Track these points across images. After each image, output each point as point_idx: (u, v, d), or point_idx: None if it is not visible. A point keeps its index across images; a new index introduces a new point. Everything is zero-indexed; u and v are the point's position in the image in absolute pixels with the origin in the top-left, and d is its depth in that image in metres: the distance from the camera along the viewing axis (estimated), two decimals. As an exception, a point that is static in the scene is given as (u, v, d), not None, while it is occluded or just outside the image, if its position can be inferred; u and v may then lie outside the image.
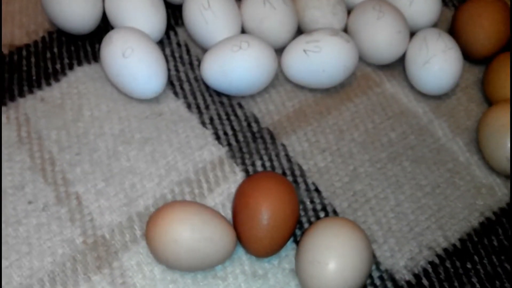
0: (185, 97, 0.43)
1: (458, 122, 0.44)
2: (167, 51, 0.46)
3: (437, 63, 0.42)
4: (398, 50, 0.44)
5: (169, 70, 0.45)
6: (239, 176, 0.39)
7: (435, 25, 0.48)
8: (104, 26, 0.46)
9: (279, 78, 0.45)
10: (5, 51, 0.45)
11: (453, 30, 0.47)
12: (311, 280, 0.33)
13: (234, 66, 0.41)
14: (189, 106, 0.43)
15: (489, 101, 0.44)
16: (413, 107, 0.44)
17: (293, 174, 0.40)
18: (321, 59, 0.42)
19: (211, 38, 0.44)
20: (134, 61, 0.40)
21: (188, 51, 0.46)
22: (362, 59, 0.46)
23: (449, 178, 0.41)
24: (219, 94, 0.44)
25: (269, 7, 0.44)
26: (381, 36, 0.44)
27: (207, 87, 0.44)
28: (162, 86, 0.42)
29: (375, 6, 0.45)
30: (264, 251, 0.35)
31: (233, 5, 0.45)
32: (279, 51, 0.44)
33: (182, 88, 0.44)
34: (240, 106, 0.43)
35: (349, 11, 0.47)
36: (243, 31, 0.45)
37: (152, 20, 0.44)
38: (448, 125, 0.43)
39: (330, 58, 0.42)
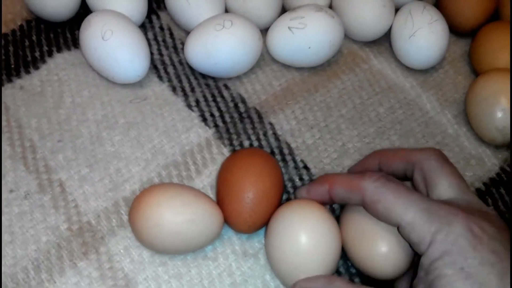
0: (169, 80, 0.42)
1: (446, 95, 0.43)
2: (150, 35, 0.45)
3: (423, 36, 0.42)
4: (384, 25, 0.44)
5: (152, 54, 0.44)
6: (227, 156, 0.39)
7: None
8: (84, 12, 0.45)
9: (265, 58, 0.44)
10: (-19, 41, 0.43)
11: (439, 3, 0.47)
12: (278, 263, 0.32)
13: (218, 46, 0.40)
14: (174, 90, 0.42)
15: (477, 73, 0.44)
16: (400, 82, 0.43)
17: (281, 153, 0.39)
18: (306, 36, 0.41)
19: (194, 19, 0.43)
20: (114, 44, 0.39)
21: (171, 34, 0.45)
22: (348, 37, 0.45)
23: (439, 151, 0.40)
24: (204, 76, 0.43)
25: (252, -14, 0.43)
26: (366, 11, 0.43)
27: (192, 70, 0.43)
28: (145, 70, 0.41)
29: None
30: (247, 225, 0.34)
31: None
32: (264, 31, 0.43)
33: (166, 71, 0.43)
34: (226, 87, 0.42)
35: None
36: (226, 11, 0.45)
37: (132, 2, 0.43)
38: (436, 98, 0.43)
39: (315, 34, 0.41)
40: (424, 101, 0.42)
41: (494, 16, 0.46)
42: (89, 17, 0.41)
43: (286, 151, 0.39)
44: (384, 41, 0.45)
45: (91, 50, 0.40)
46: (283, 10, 0.45)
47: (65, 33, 0.45)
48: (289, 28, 0.41)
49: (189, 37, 0.41)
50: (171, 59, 0.44)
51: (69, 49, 0.44)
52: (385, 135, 0.40)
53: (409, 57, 0.43)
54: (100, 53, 0.40)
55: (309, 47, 0.41)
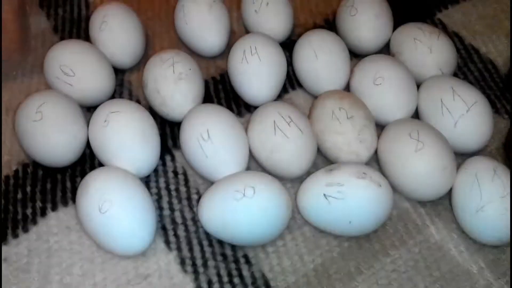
0: (178, 248, 0.35)
1: (527, 283, 0.34)
2: (161, 182, 0.38)
3: (494, 210, 0.33)
4: (442, 189, 0.36)
5: (161, 209, 0.37)
6: None
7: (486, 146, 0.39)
8: (90, 153, 0.39)
9: (296, 218, 0.36)
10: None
11: (508, 148, 0.39)
12: None
13: (238, 218, 0.33)
14: (183, 263, 0.35)
15: None
16: (465, 263, 0.35)
17: None
18: (346, 208, 0.33)
19: (213, 174, 0.36)
20: (112, 218, 0.33)
21: (186, 181, 0.39)
22: (397, 191, 0.37)
23: None
24: (221, 243, 0.35)
25: (281, 135, 0.37)
26: (421, 174, 0.35)
27: (207, 233, 0.36)
28: (147, 244, 0.34)
29: (412, 132, 0.36)
30: None
31: (238, 134, 0.37)
32: (296, 181, 0.37)
33: (176, 234, 0.36)
34: (247, 260, 0.35)
35: (382, 127, 0.39)
36: (252, 157, 0.38)
37: (141, 155, 0.37)
38: (513, 286, 0.34)
39: (357, 207, 0.33)
40: (496, 291, 0.34)
41: None
42: (87, 178, 0.35)
43: None
44: (443, 199, 0.37)
45: (86, 220, 0.34)
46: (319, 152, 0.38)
47: (64, 182, 0.39)
48: (324, 195, 0.34)
49: (203, 199, 0.35)
50: (183, 216, 0.37)
51: (66, 204, 0.37)
52: None
53: (476, 232, 0.34)
54: (96, 226, 0.33)
55: (350, 222, 0.33)
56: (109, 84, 0.41)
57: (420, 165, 0.35)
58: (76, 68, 0.40)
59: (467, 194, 0.34)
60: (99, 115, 0.37)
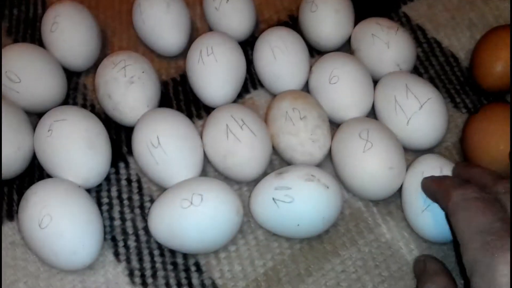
0: (128, 260, 0.35)
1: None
2: (113, 191, 0.38)
3: (438, 209, 0.33)
4: (390, 189, 0.36)
5: (112, 219, 0.37)
6: None
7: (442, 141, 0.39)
8: (39, 163, 0.38)
9: (251, 222, 0.37)
10: None
11: (464, 145, 0.39)
12: None
13: (185, 227, 0.33)
14: (131, 274, 0.35)
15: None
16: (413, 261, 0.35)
17: None
18: (294, 211, 0.34)
19: (165, 180, 0.37)
20: (52, 232, 0.32)
21: (140, 188, 0.38)
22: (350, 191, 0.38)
23: None
24: (172, 251, 0.36)
25: (233, 139, 0.37)
26: (369, 174, 0.35)
27: (158, 243, 0.36)
28: (92, 257, 0.34)
29: (362, 132, 0.36)
30: None
31: (191, 139, 0.37)
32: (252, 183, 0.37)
33: (126, 245, 0.36)
34: (198, 268, 0.35)
35: (339, 126, 0.39)
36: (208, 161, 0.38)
37: (86, 165, 0.36)
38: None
39: (305, 210, 0.34)
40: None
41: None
42: (28, 193, 0.34)
43: None
44: (396, 197, 0.37)
45: (28, 236, 0.33)
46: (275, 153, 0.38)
47: (11, 194, 0.38)
48: (273, 199, 0.34)
49: (152, 208, 0.35)
50: (134, 225, 0.37)
51: (11, 218, 0.37)
52: None
53: (423, 231, 0.35)
54: (37, 242, 0.33)
55: (298, 225, 0.34)
56: (59, 89, 0.40)
57: (367, 165, 0.35)
58: (23, 73, 0.39)
59: (413, 193, 0.35)
60: (43, 124, 0.36)
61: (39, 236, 0.32)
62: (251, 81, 0.45)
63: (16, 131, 0.36)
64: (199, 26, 0.48)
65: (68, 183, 0.35)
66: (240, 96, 0.43)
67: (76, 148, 0.35)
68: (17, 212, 0.35)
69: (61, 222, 0.32)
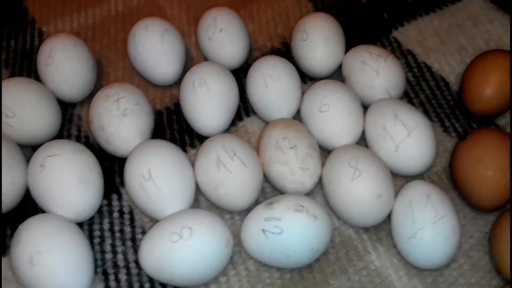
0: (118, 294, 0.35)
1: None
2: (105, 223, 0.38)
3: (426, 237, 0.34)
4: (379, 216, 0.37)
5: (104, 252, 0.37)
6: None
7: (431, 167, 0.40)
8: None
9: (242, 252, 0.37)
10: None
11: (453, 170, 0.39)
12: None
13: (175, 260, 0.33)
14: (122, 309, 0.35)
15: (498, 267, 0.35)
16: (403, 287, 0.36)
17: None
18: (283, 243, 0.34)
19: (157, 213, 0.37)
20: (43, 270, 0.32)
21: (132, 220, 0.39)
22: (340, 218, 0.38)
23: None
24: (163, 284, 0.36)
25: (224, 171, 0.37)
26: (357, 202, 0.36)
27: (149, 276, 0.36)
28: None
29: (351, 160, 0.37)
30: None
31: (183, 171, 0.38)
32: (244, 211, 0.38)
33: (117, 279, 0.36)
34: (188, 302, 0.35)
35: (329, 153, 0.40)
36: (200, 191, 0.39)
37: (78, 200, 0.36)
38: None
39: (293, 241, 0.34)
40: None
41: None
42: (20, 228, 0.34)
43: None
44: (386, 223, 0.38)
45: (19, 272, 0.33)
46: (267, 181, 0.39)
47: (4, 229, 0.38)
48: (263, 231, 0.35)
49: (143, 241, 0.35)
50: (126, 258, 0.37)
51: (4, 253, 0.37)
52: None
53: (411, 257, 0.35)
54: (28, 279, 0.33)
55: (287, 255, 0.34)
56: (52, 122, 0.41)
57: (356, 193, 0.36)
58: (18, 108, 0.39)
59: (401, 221, 0.35)
60: (36, 159, 0.37)
61: (30, 273, 0.32)
62: (244, 108, 0.46)
63: (10, 166, 0.37)
64: (194, 55, 0.49)
65: (60, 219, 0.35)
66: (234, 123, 0.44)
67: (68, 183, 0.36)
68: (9, 247, 0.35)
69: (51, 258, 0.33)
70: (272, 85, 0.43)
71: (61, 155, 0.37)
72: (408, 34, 0.51)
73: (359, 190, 0.36)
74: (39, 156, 0.37)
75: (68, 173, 0.36)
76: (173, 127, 0.44)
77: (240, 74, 0.47)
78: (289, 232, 0.34)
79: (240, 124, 0.45)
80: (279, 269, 0.36)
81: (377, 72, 0.43)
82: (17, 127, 0.40)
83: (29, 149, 0.41)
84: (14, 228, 0.36)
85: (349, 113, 0.41)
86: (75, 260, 0.33)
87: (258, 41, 0.50)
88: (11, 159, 0.37)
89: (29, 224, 0.34)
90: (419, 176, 0.40)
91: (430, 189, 0.36)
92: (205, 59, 0.48)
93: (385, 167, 0.38)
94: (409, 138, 0.38)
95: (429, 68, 0.48)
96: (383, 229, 0.38)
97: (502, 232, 0.36)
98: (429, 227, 0.34)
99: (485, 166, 0.38)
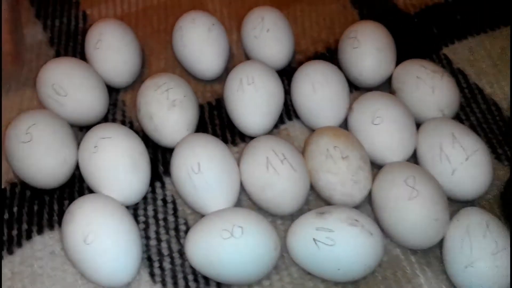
0: (163, 281, 0.35)
1: None
2: (150, 210, 0.38)
3: (484, 268, 0.32)
4: (433, 239, 0.35)
5: (148, 238, 0.36)
6: None
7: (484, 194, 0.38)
8: (80, 175, 0.38)
9: (285, 257, 0.36)
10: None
11: (506, 200, 0.38)
12: None
13: (224, 257, 0.32)
14: (166, 297, 0.34)
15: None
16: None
17: None
18: (335, 255, 0.33)
19: (201, 207, 0.36)
20: (97, 249, 0.32)
21: (175, 210, 0.38)
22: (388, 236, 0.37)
23: None
24: (207, 280, 0.35)
25: (273, 173, 0.36)
26: (412, 223, 0.34)
27: (193, 268, 0.35)
28: (131, 277, 0.34)
29: (408, 178, 0.35)
30: None
31: (230, 168, 0.37)
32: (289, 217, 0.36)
33: (161, 267, 0.35)
34: (232, 301, 0.34)
35: (378, 167, 0.38)
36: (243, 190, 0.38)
37: (129, 184, 0.36)
38: None
39: (347, 255, 0.33)
40: None
41: None
42: (73, 208, 0.34)
43: None
44: (435, 247, 0.36)
45: (71, 249, 0.33)
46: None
47: (52, 204, 0.38)
48: (314, 240, 0.33)
49: (191, 233, 0.34)
50: (169, 247, 0.36)
51: (51, 228, 0.37)
52: None
53: (465, 287, 0.34)
54: (80, 256, 0.33)
55: (339, 269, 0.33)
56: (102, 104, 0.41)
57: (412, 214, 0.34)
58: (69, 87, 0.39)
59: (457, 247, 0.34)
60: (89, 140, 0.37)
61: (83, 251, 0.32)
62: (286, 112, 0.44)
63: (62, 145, 0.37)
64: (235, 53, 0.48)
65: (112, 201, 0.35)
66: (275, 126, 0.43)
67: (121, 166, 0.36)
68: (57, 222, 0.36)
69: (105, 240, 0.32)
70: (321, 90, 0.41)
71: (114, 138, 0.36)
72: (458, 53, 0.49)
73: (416, 211, 0.34)
74: (92, 137, 0.37)
75: (121, 156, 0.36)
76: (214, 122, 0.43)
77: (282, 76, 0.45)
78: (343, 246, 0.32)
79: (282, 127, 0.43)
80: (324, 281, 0.35)
81: (433, 89, 0.41)
82: (67, 106, 0.40)
83: (75, 129, 0.41)
84: (60, 205, 0.37)
85: (404, 128, 0.39)
86: (127, 243, 0.33)
87: (301, 44, 0.49)
88: (64, 137, 0.37)
89: (83, 203, 0.34)
90: (470, 202, 0.38)
91: (488, 218, 0.34)
92: (247, 57, 0.46)
93: (442, 190, 0.36)
94: (467, 162, 0.37)
95: (480, 91, 0.46)
96: (432, 252, 0.36)
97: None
98: (489, 258, 0.32)
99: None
